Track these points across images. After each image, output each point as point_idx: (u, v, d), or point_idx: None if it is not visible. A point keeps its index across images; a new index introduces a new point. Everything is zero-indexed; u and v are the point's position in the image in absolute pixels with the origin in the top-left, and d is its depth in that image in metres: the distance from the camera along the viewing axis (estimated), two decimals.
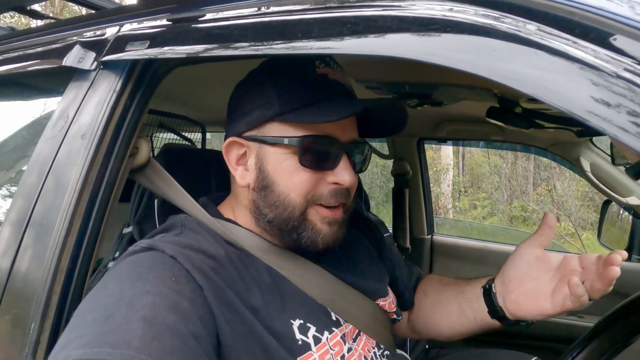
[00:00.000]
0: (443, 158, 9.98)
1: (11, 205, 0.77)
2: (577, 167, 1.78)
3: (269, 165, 0.71)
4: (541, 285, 0.75)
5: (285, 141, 0.69)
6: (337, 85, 0.72)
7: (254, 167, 0.73)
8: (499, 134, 1.84)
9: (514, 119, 1.21)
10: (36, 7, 1.23)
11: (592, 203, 8.02)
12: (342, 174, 0.70)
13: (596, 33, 0.39)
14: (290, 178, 0.70)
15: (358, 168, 0.76)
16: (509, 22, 0.43)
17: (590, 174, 1.72)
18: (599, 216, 1.78)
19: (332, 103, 0.70)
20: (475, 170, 11.37)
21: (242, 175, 0.75)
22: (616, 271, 0.65)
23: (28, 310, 0.65)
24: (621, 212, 1.91)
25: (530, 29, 0.42)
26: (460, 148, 10.57)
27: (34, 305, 0.65)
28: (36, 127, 1.04)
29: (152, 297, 0.54)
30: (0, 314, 0.68)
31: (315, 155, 0.69)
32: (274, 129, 0.71)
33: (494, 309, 0.81)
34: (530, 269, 0.76)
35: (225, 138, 0.77)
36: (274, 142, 0.70)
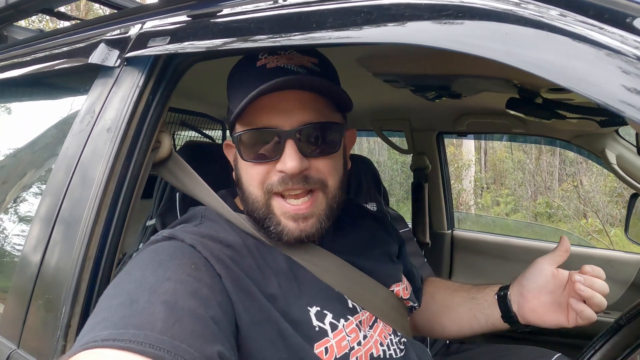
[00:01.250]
0: (464, 154, 9.83)
1: (43, 195, 0.80)
2: (602, 160, 1.73)
3: (237, 161, 0.77)
4: (557, 299, 0.84)
5: (231, 140, 0.75)
6: (276, 72, 0.68)
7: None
8: (520, 127, 1.81)
9: (535, 109, 1.19)
10: (62, 9, 1.28)
11: (621, 199, 7.77)
12: (285, 161, 0.68)
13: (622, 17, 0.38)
14: (246, 172, 0.73)
15: (321, 150, 0.72)
16: (530, 8, 0.42)
17: (616, 167, 1.68)
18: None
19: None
20: (497, 166, 11.15)
21: (234, 173, 0.80)
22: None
23: (59, 295, 0.68)
24: None
25: (552, 14, 0.41)
26: (482, 144, 10.38)
27: (65, 290, 0.68)
28: (64, 125, 1.08)
29: (174, 284, 0.56)
30: (34, 299, 0.72)
31: (253, 148, 0.71)
32: (237, 129, 0.74)
33: (509, 315, 0.90)
34: (547, 283, 0.85)
35: None
36: (234, 139, 0.75)
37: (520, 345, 1.69)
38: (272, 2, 0.65)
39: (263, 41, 0.61)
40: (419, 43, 0.46)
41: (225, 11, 0.72)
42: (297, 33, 0.58)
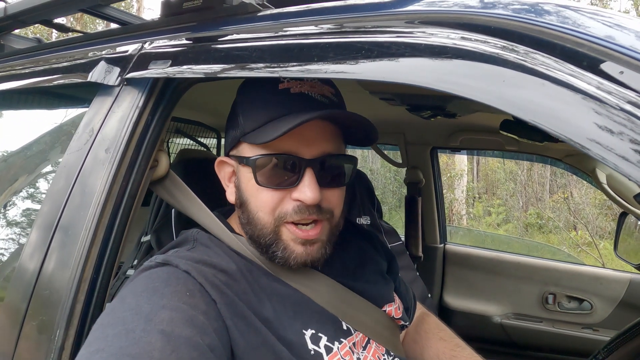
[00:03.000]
0: (457, 164, 9.91)
1: (38, 215, 0.80)
2: (593, 179, 1.76)
3: (242, 183, 0.74)
4: None
5: (244, 161, 0.72)
6: (300, 98, 0.69)
7: (235, 184, 0.77)
8: (513, 145, 1.83)
9: (528, 132, 1.20)
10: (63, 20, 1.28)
11: (611, 211, 7.87)
12: (304, 191, 0.68)
13: (603, 64, 0.40)
14: (257, 197, 0.72)
15: (334, 181, 0.73)
16: (517, 52, 0.44)
17: (606, 186, 1.70)
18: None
19: (288, 118, 0.67)
20: (490, 176, 11.26)
21: (231, 192, 0.79)
22: None
23: (54, 317, 0.68)
24: (639, 224, 1.88)
25: (537, 59, 0.43)
26: (475, 154, 10.48)
27: (60, 312, 0.67)
28: (61, 138, 1.08)
29: (169, 312, 0.57)
30: (28, 320, 0.71)
31: (271, 174, 0.69)
32: (244, 149, 0.74)
33: None
34: None
35: None
36: (241, 162, 0.73)
37: None
38: (273, 31, 0.66)
39: (262, 70, 0.62)
40: (416, 84, 0.47)
41: (227, 37, 0.73)
42: (296, 64, 0.59)
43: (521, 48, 0.44)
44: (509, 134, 1.27)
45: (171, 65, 0.74)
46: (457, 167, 9.86)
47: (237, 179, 0.76)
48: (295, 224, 0.70)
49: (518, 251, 2.32)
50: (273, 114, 0.69)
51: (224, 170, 0.80)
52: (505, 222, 9.22)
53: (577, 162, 1.79)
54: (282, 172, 0.69)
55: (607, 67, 0.40)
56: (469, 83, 0.45)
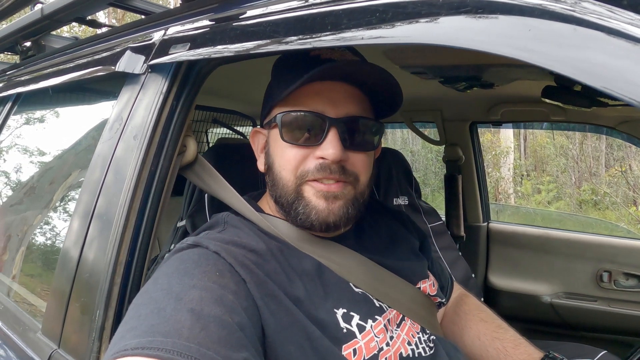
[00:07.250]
0: (503, 140, 9.50)
1: (76, 204, 0.84)
2: None
3: (270, 146, 0.76)
4: None
5: (273, 120, 0.74)
6: (328, 63, 0.70)
7: (265, 152, 0.79)
8: (559, 114, 1.71)
9: (573, 97, 1.12)
10: (100, 14, 1.32)
11: None
12: (326, 148, 0.70)
13: None
14: (282, 155, 0.73)
15: (360, 145, 0.74)
16: (564, 2, 0.39)
17: None
18: None
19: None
20: (538, 152, 10.72)
21: (261, 161, 0.81)
22: None
23: (94, 299, 0.71)
24: None
25: (588, 7, 0.38)
26: (522, 129, 9.99)
27: (99, 294, 0.71)
28: (101, 130, 1.12)
29: (199, 291, 0.57)
30: (72, 301, 0.75)
31: (296, 130, 0.71)
32: (275, 112, 0.75)
33: None
34: None
35: None
36: (270, 123, 0.75)
37: (562, 342, 1.63)
38: (285, 4, 0.64)
39: (292, 44, 0.59)
40: (436, 43, 0.44)
41: (246, 14, 0.72)
42: (314, 34, 0.56)
43: None
44: (553, 102, 1.18)
45: (191, 48, 0.74)
46: (502, 144, 9.45)
47: (267, 145, 0.78)
48: (317, 181, 0.72)
49: (572, 229, 2.18)
50: (300, 76, 0.70)
51: (258, 141, 0.82)
52: (556, 200, 8.76)
53: (633, 129, 1.65)
54: (307, 129, 0.71)
55: None
56: (494, 39, 0.41)
